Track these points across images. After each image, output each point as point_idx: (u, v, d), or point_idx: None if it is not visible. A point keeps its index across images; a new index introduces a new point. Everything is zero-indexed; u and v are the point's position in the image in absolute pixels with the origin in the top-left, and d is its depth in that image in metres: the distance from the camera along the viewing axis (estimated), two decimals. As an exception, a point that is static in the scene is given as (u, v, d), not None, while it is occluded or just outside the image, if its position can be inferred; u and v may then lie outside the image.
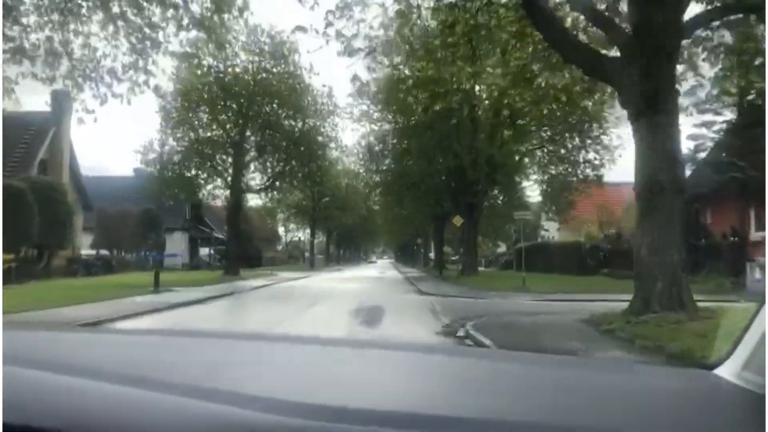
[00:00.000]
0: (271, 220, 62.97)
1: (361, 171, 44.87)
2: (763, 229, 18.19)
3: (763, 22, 9.66)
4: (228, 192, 30.50)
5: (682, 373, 1.33)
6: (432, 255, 62.87)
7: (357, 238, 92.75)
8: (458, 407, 0.94)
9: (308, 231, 66.63)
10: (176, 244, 51.42)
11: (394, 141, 33.90)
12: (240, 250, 48.07)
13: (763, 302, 1.05)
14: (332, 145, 32.20)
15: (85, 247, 38.43)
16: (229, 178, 29.98)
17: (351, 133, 65.02)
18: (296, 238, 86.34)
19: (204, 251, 56.91)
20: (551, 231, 47.46)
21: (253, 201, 58.33)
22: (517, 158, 29.66)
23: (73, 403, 0.90)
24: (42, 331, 1.84)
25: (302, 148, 30.01)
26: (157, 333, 2.34)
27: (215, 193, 31.80)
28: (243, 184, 30.65)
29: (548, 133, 30.35)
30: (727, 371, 1.10)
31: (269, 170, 31.48)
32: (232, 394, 0.91)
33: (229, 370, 1.20)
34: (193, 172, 29.52)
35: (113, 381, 0.96)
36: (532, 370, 1.31)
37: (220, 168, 30.13)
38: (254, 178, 32.13)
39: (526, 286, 20.36)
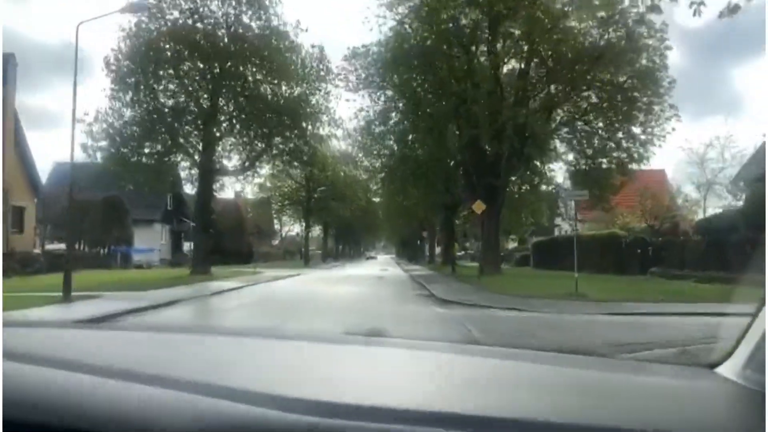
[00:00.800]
0: (252, 210, 57.42)
1: (359, 155, 39.70)
2: None
3: None
4: (195, 172, 24.94)
5: (684, 371, 1.33)
6: (439, 250, 57.64)
7: (357, 233, 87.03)
8: (466, 405, 0.93)
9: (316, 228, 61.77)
10: (154, 237, 46.13)
11: (398, 116, 28.42)
12: (222, 244, 43.11)
13: (764, 301, 1.04)
14: (324, 117, 26.58)
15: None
16: (198, 157, 24.41)
17: (345, 106, 57.46)
18: (293, 233, 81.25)
19: (191, 246, 53.22)
20: (566, 223, 41.79)
21: (239, 191, 53.34)
22: (552, 126, 24.18)
23: (75, 399, 0.89)
24: (43, 328, 1.79)
25: (286, 119, 24.42)
26: (159, 330, 1.97)
27: (179, 174, 26.07)
28: (216, 163, 25.17)
29: (589, 100, 24.87)
30: (728, 370, 1.09)
31: (247, 147, 25.84)
32: (237, 391, 0.90)
33: (233, 367, 1.18)
34: (147, 150, 23.81)
35: (116, 377, 0.95)
36: (532, 368, 1.31)
37: (186, 144, 24.52)
38: (230, 158, 26.52)
39: (580, 292, 14.95)
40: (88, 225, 31.35)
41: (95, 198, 32.17)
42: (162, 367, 1.09)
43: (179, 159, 24.66)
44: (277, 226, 74.57)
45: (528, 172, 25.90)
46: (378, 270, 39.77)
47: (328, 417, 0.82)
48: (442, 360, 1.37)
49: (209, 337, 1.67)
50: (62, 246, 31.69)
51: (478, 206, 21.14)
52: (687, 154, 49.56)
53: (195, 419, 0.82)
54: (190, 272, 24.00)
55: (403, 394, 0.98)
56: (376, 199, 63.11)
